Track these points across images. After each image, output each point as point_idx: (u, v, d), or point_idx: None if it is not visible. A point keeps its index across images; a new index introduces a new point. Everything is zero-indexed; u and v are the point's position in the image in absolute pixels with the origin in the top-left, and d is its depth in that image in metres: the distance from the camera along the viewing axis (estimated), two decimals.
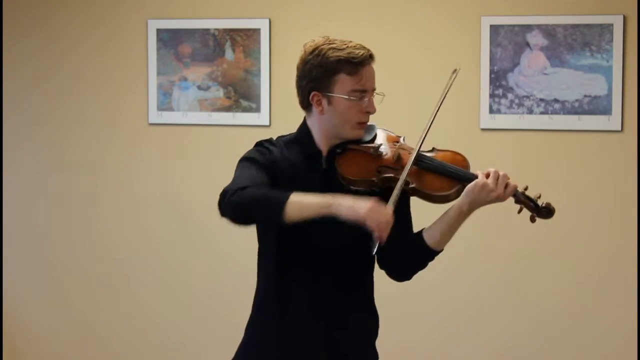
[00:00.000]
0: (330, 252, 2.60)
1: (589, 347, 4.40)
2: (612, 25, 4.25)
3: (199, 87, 4.70)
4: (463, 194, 2.56)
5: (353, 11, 4.54)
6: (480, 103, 4.41)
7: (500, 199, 2.56)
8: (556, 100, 4.34)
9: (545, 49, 4.33)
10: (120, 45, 4.80)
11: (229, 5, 4.67)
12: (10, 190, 4.96)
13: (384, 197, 2.50)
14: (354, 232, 2.47)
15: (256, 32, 4.60)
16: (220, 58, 4.66)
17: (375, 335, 2.75)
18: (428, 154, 2.64)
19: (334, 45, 2.58)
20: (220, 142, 4.66)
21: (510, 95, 4.38)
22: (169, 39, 4.71)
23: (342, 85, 2.57)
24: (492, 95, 4.40)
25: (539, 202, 2.63)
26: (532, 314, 4.44)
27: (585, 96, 4.31)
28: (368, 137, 2.65)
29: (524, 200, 2.62)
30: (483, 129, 4.43)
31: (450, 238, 2.61)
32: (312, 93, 2.60)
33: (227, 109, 4.68)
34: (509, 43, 4.36)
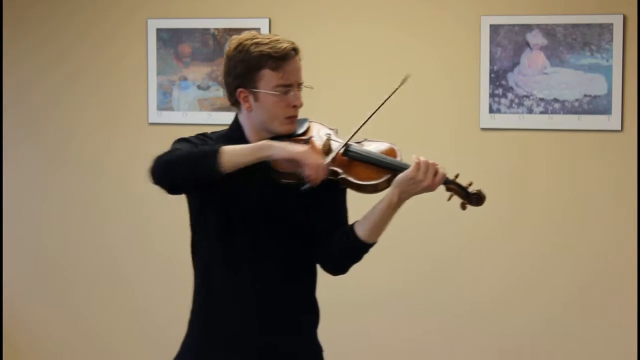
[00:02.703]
0: (264, 233, 2.57)
1: (589, 346, 4.40)
2: (612, 25, 4.25)
3: (199, 87, 4.70)
4: (392, 185, 2.52)
5: (353, 11, 4.54)
6: (480, 103, 4.41)
7: (430, 188, 2.51)
8: (556, 100, 4.34)
9: (545, 49, 4.33)
10: (120, 45, 4.80)
11: (229, 5, 4.67)
12: (10, 190, 4.96)
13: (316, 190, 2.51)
14: (284, 208, 2.47)
15: (256, 31, 4.60)
16: (220, 58, 4.66)
17: (315, 327, 2.71)
18: (358, 145, 2.61)
19: (257, 40, 2.56)
20: None
21: (510, 95, 4.38)
22: (169, 39, 4.71)
23: (267, 80, 2.55)
24: (492, 95, 4.40)
25: (470, 189, 2.57)
26: (532, 312, 4.44)
27: (585, 96, 4.31)
28: (300, 131, 2.64)
29: (454, 187, 2.57)
30: (483, 129, 4.43)
31: (383, 230, 2.56)
32: (238, 90, 2.58)
33: (227, 108, 4.63)
34: (508, 43, 4.36)
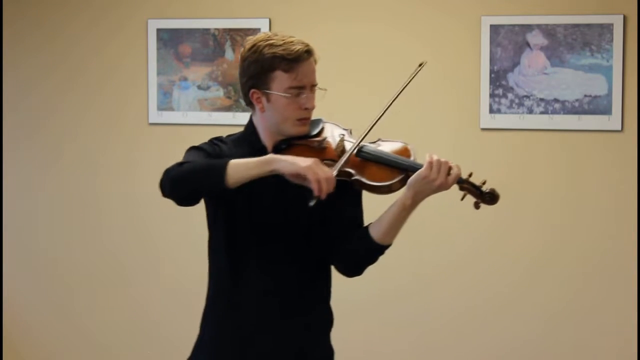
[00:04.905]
0: (278, 233, 2.58)
1: (589, 347, 4.40)
2: (612, 25, 4.25)
3: (199, 87, 4.70)
4: (406, 186, 2.51)
5: (353, 11, 4.54)
6: (480, 103, 4.41)
7: (444, 187, 2.49)
8: (556, 100, 4.34)
9: (545, 49, 4.33)
10: (120, 45, 4.80)
11: (229, 5, 4.67)
12: (10, 190, 4.96)
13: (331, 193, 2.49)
14: (299, 208, 2.45)
15: (256, 32, 4.60)
16: (220, 58, 4.66)
17: (329, 329, 2.71)
18: (371, 145, 2.60)
19: (271, 42, 2.54)
20: None
21: (510, 95, 4.38)
22: (169, 39, 4.71)
23: (279, 82, 2.54)
24: (492, 95, 4.40)
25: (483, 188, 2.55)
26: (532, 313, 4.44)
27: (585, 96, 4.31)
28: (314, 132, 2.63)
29: (468, 187, 2.55)
30: (483, 129, 4.43)
31: (398, 231, 2.55)
32: (252, 90, 2.58)
33: (227, 108, 4.67)
34: (509, 43, 4.36)
